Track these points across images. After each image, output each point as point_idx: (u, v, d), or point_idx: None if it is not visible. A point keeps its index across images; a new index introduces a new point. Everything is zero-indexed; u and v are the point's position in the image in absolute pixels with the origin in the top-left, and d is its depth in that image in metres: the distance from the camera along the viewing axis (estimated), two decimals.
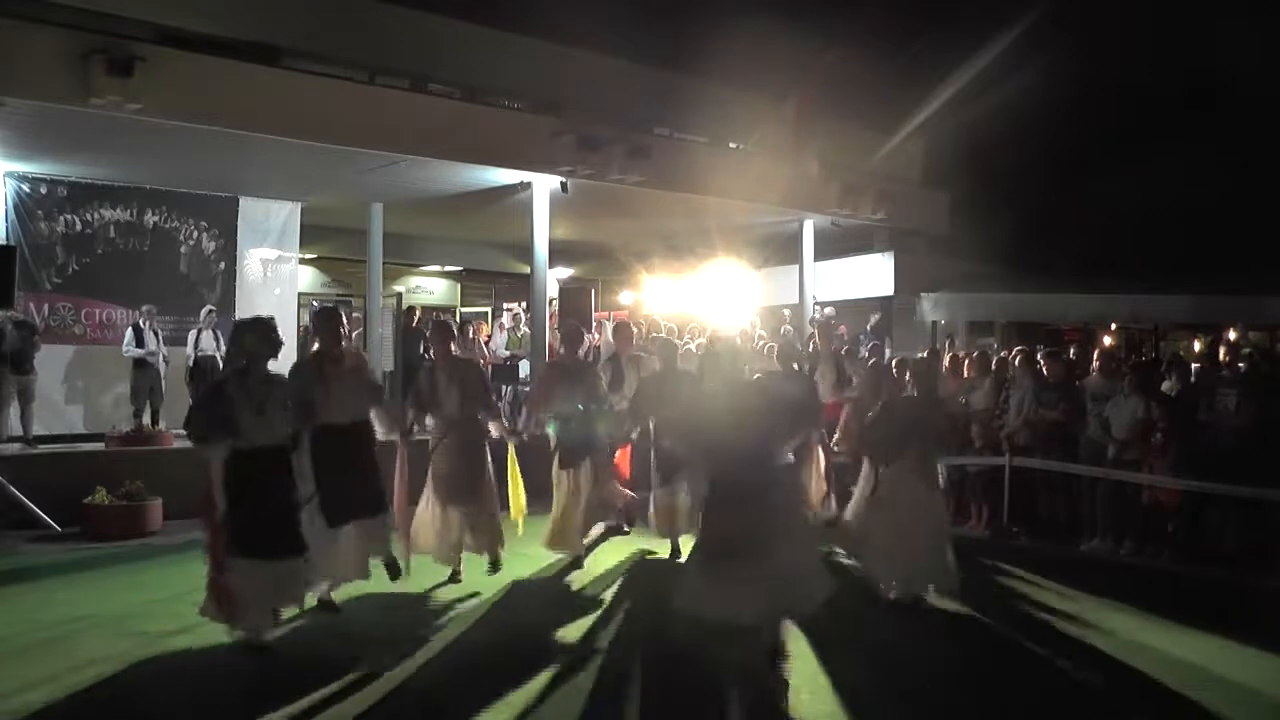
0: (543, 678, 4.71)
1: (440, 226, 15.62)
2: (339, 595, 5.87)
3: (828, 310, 14.68)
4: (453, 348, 6.81)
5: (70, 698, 4.40)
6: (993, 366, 9.57)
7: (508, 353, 14.18)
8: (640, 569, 7.22)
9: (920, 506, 5.99)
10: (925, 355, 8.74)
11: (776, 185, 13.34)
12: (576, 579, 6.78)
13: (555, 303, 14.18)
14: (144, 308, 11.14)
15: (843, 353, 10.09)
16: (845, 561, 7.00)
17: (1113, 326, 16.95)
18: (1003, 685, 4.76)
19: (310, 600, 5.61)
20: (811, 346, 11.78)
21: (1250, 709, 4.57)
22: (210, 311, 11.52)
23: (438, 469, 6.49)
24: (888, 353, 10.44)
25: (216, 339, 11.17)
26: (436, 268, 18.37)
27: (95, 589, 6.46)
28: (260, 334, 5.20)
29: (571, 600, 6.24)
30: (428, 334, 7.10)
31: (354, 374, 5.87)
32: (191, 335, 11.29)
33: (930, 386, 6.47)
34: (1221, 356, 8.35)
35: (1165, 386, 8.43)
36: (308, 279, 16.03)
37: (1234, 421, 7.60)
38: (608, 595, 6.39)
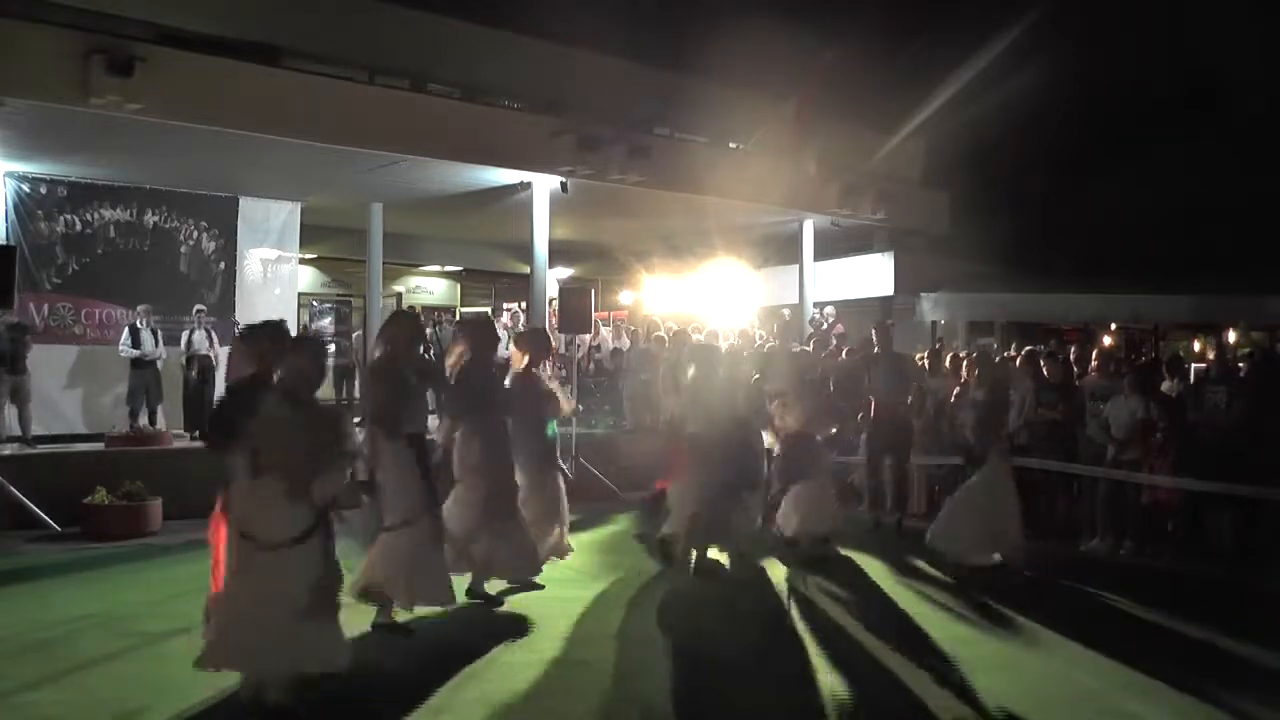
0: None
1: (440, 226, 15.63)
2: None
3: (828, 310, 14.68)
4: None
5: (70, 698, 4.39)
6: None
7: (510, 352, 14.16)
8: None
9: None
10: (995, 355, 9.17)
11: (776, 185, 13.35)
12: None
13: (555, 303, 14.19)
14: (139, 308, 11.12)
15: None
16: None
17: (1113, 326, 16.95)
18: (1002, 685, 4.76)
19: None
20: (811, 345, 11.81)
21: (1251, 708, 4.57)
22: (200, 311, 11.49)
23: (476, 482, 5.88)
24: None
25: (210, 338, 11.17)
26: (436, 268, 18.38)
27: (95, 589, 6.45)
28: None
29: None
30: (468, 331, 6.48)
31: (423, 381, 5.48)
32: (184, 335, 11.28)
33: (999, 380, 7.43)
34: (1209, 357, 8.37)
35: (1165, 387, 8.43)
36: (308, 279, 16.05)
37: (1225, 419, 7.59)
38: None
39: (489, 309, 18.26)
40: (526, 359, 6.54)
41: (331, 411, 4.30)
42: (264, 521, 4.11)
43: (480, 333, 6.39)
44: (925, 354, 11.02)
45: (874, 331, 9.10)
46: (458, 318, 17.07)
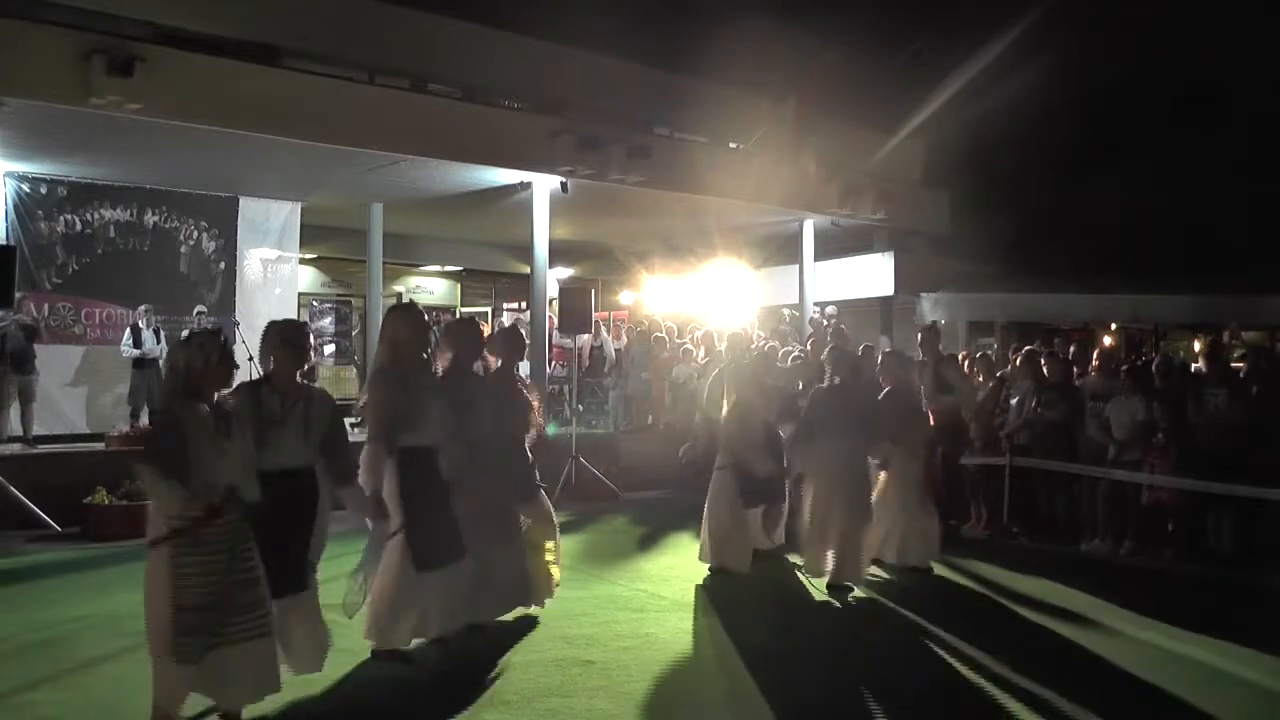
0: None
1: (440, 226, 15.63)
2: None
3: (829, 310, 14.67)
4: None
5: (70, 698, 4.39)
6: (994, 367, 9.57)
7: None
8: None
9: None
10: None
11: (776, 185, 13.35)
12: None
13: (555, 303, 14.22)
14: (141, 308, 11.15)
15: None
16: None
17: (1113, 326, 16.94)
18: (1002, 685, 4.76)
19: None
20: (810, 345, 11.77)
21: (1250, 709, 4.57)
22: (201, 312, 11.51)
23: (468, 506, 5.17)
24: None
25: None
26: (436, 268, 18.39)
27: (95, 589, 6.45)
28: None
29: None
30: (447, 334, 5.61)
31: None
32: (183, 336, 11.24)
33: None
34: (1202, 364, 8.32)
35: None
36: (308, 279, 16.05)
37: (1227, 419, 7.58)
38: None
39: (489, 309, 18.28)
40: (500, 361, 5.84)
41: (170, 424, 3.85)
42: None
43: (461, 335, 5.55)
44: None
45: (919, 336, 8.86)
46: (458, 317, 17.06)
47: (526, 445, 5.77)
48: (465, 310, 18.31)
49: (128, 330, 11.08)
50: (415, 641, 4.98)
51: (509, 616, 5.60)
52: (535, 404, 5.90)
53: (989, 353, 11.90)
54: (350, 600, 4.61)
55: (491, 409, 5.40)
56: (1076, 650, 5.32)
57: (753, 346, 8.05)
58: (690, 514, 7.93)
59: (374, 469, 4.72)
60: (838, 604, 6.24)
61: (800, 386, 8.21)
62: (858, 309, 15.83)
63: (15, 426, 10.02)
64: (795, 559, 7.19)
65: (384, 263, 13.87)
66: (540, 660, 4.96)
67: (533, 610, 5.75)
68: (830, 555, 6.54)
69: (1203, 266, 15.40)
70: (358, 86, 10.84)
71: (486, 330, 15.85)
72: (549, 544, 5.81)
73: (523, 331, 6.76)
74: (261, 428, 4.12)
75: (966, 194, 16.41)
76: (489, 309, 18.35)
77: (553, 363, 14.21)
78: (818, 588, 6.60)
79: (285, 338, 4.37)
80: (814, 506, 6.66)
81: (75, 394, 11.50)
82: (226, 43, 10.25)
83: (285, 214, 13.24)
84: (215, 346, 3.94)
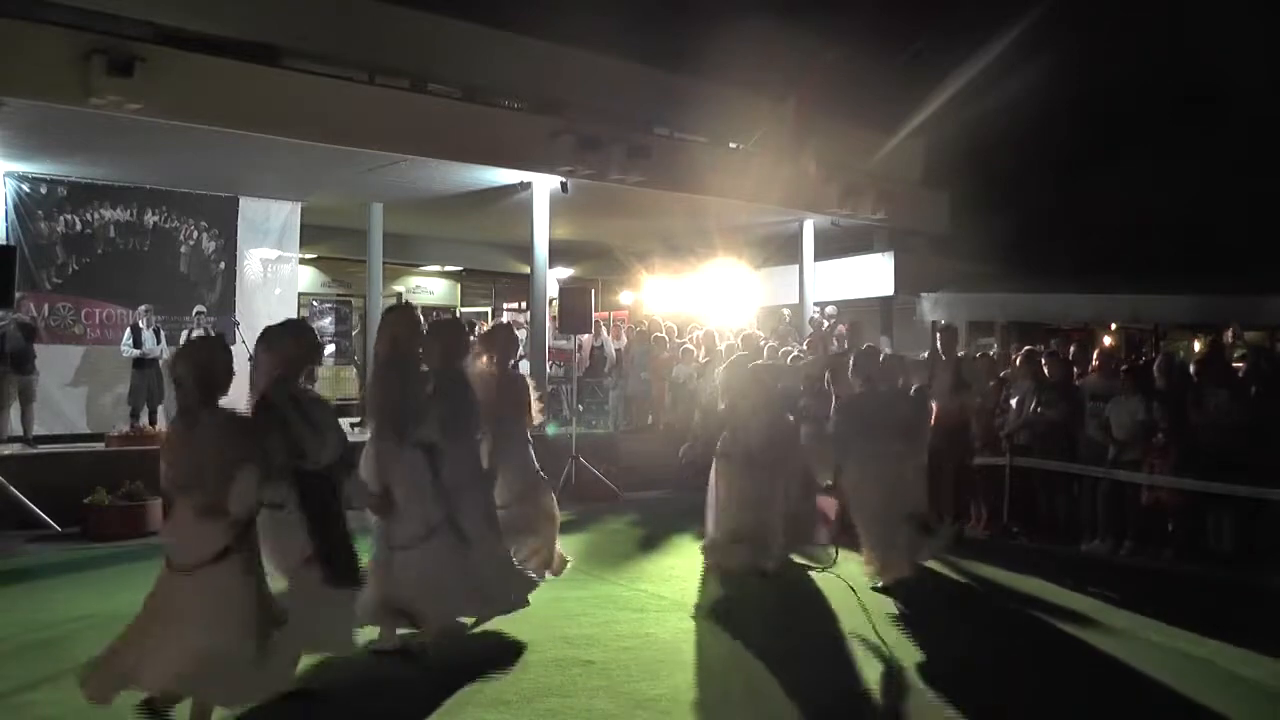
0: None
1: (440, 226, 15.65)
2: None
3: (829, 310, 14.68)
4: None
5: (70, 698, 4.38)
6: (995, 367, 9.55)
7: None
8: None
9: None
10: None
11: (776, 185, 13.36)
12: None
13: (555, 303, 14.23)
14: (141, 307, 11.15)
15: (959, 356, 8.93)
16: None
17: (1113, 326, 16.94)
18: (1002, 686, 4.76)
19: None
20: (807, 345, 11.78)
21: (1250, 709, 4.57)
22: (200, 312, 11.52)
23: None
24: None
25: None
26: (436, 268, 18.40)
27: (95, 589, 6.44)
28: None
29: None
30: (432, 335, 5.55)
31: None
32: (183, 336, 11.26)
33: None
34: (1192, 370, 8.32)
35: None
36: (308, 279, 16.07)
37: (1229, 419, 7.57)
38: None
39: (489, 309, 18.29)
40: (495, 359, 5.93)
41: (239, 421, 3.89)
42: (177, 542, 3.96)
43: (445, 336, 5.44)
44: (928, 354, 11.00)
45: (938, 334, 8.81)
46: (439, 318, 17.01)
47: (528, 434, 6.00)
48: (465, 311, 18.32)
49: (128, 330, 11.07)
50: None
51: (510, 617, 5.60)
52: (534, 395, 6.08)
53: (989, 353, 11.89)
54: None
55: (488, 408, 5.49)
56: (1076, 650, 5.32)
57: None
58: (690, 514, 7.93)
59: (381, 464, 4.75)
60: (838, 604, 6.24)
61: (802, 388, 8.20)
62: (858, 309, 15.83)
63: (15, 426, 10.02)
64: (796, 559, 7.20)
65: (384, 263, 13.88)
66: (540, 660, 4.96)
67: (533, 608, 5.75)
68: (885, 556, 6.48)
69: (1203, 266, 15.40)
70: (358, 86, 10.85)
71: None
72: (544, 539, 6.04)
73: (515, 330, 6.81)
74: (301, 429, 4.19)
75: (966, 194, 16.42)
76: (489, 309, 18.36)
77: (551, 363, 14.22)
78: (819, 588, 6.61)
79: (305, 342, 4.45)
80: (865, 510, 6.61)
81: (75, 394, 11.50)
82: (226, 43, 10.26)
83: (285, 214, 13.25)
84: (225, 355, 3.98)
